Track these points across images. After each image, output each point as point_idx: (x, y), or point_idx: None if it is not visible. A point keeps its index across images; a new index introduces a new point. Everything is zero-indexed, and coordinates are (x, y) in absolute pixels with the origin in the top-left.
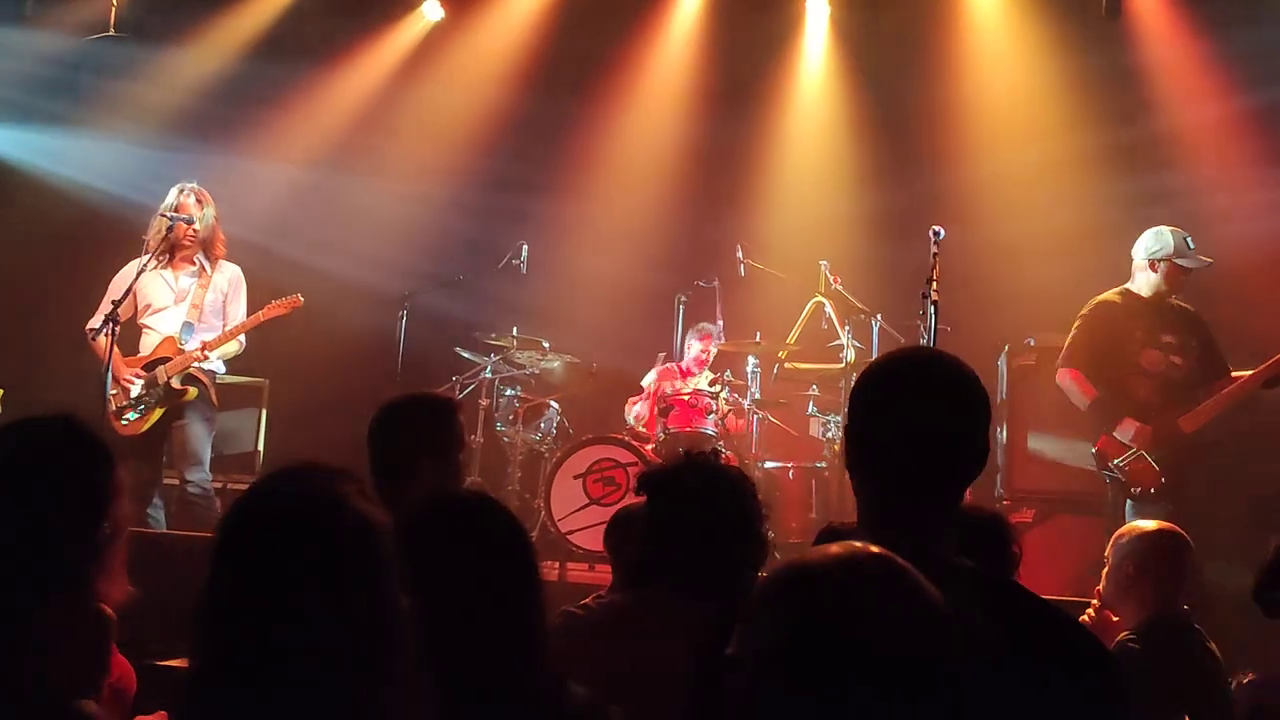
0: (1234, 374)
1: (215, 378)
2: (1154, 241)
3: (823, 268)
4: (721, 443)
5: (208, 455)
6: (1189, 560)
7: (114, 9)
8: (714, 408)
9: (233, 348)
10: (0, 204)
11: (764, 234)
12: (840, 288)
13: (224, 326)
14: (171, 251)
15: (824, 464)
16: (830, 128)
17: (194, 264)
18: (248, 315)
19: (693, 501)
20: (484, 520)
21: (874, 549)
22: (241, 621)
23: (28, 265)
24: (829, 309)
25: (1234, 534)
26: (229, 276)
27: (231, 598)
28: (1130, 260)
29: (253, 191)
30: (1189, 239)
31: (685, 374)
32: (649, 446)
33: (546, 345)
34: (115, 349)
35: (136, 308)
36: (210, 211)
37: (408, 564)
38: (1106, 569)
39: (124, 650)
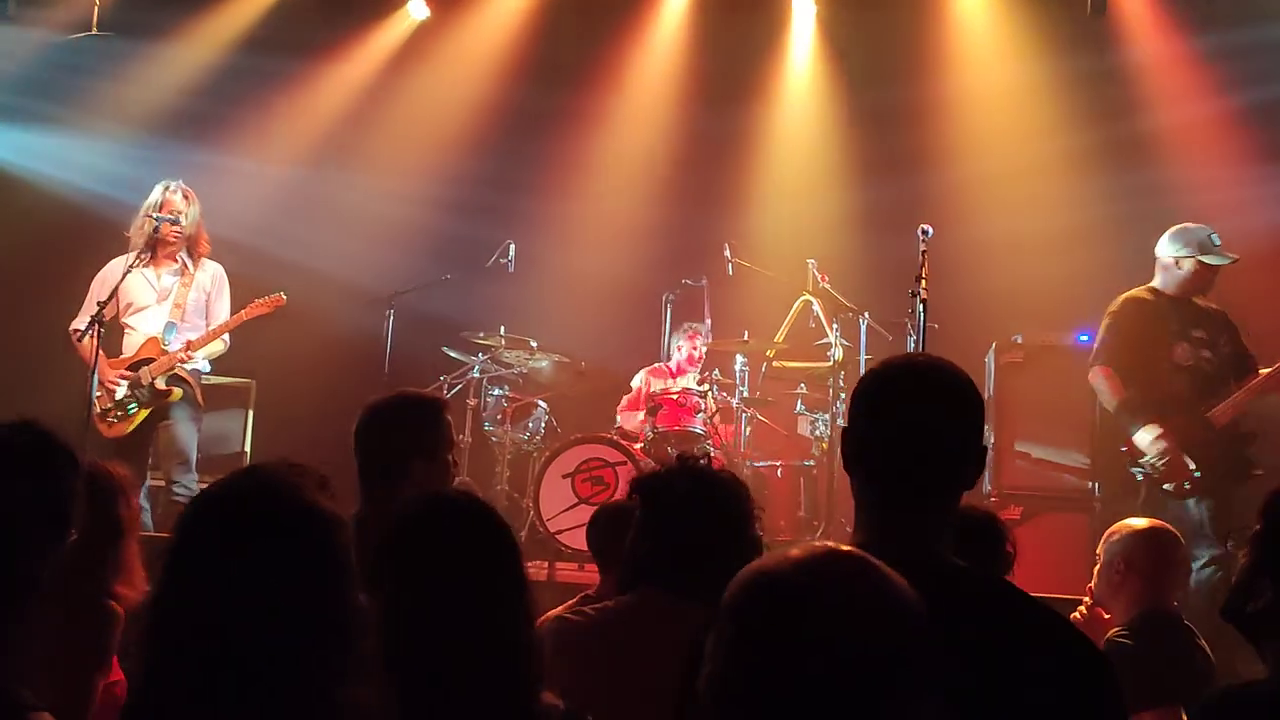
0: (1262, 371)
1: (200, 378)
2: (1179, 239)
3: (810, 266)
4: (710, 442)
5: (194, 455)
6: (1179, 557)
7: (96, 7)
8: (702, 407)
9: (218, 347)
10: None
11: (752, 232)
12: (828, 286)
13: (207, 326)
14: (154, 249)
15: (812, 462)
16: (817, 126)
17: (176, 262)
18: (231, 314)
19: (686, 506)
20: (467, 521)
21: (843, 548)
22: (193, 619)
23: (10, 265)
24: (817, 307)
25: None
26: (211, 275)
27: (184, 594)
28: (1154, 257)
29: (237, 191)
30: (1214, 235)
31: (674, 373)
32: (638, 446)
33: (534, 345)
34: (101, 351)
35: (118, 307)
36: (196, 209)
37: (390, 563)
38: (1098, 566)
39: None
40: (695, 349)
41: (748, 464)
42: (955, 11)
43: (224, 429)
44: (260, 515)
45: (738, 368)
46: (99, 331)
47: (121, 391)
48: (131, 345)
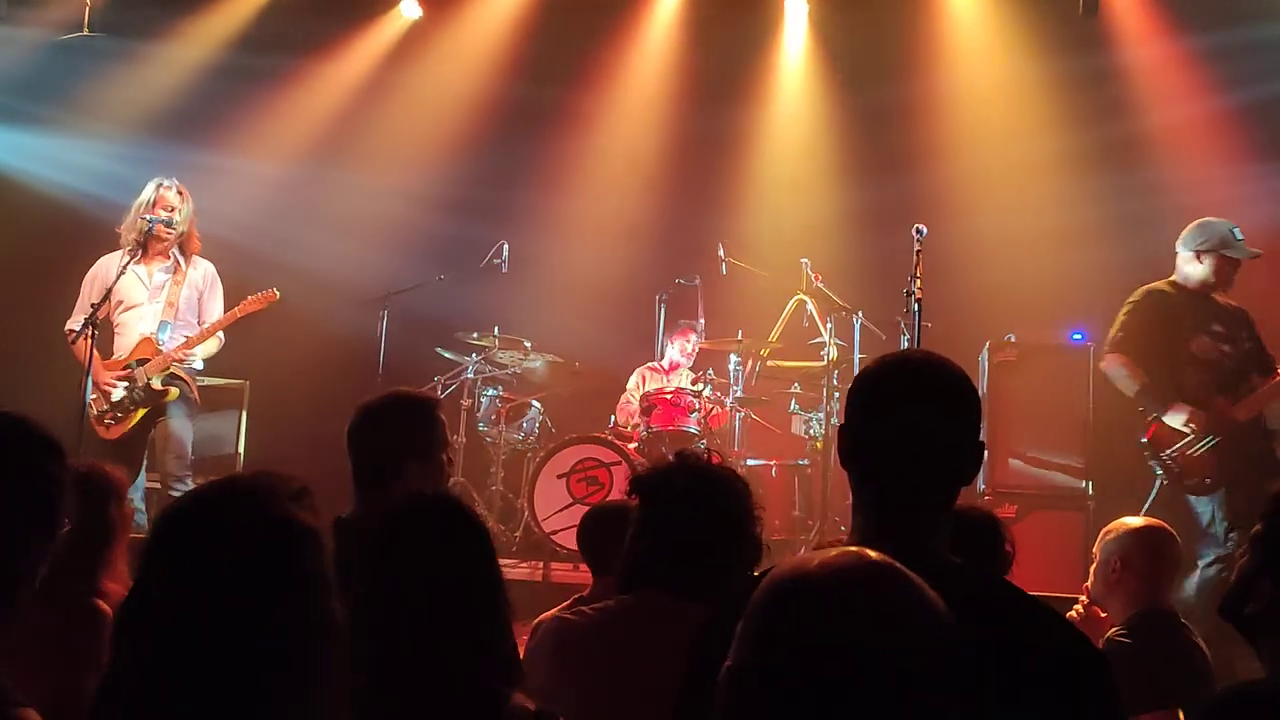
0: None
1: (196, 376)
2: (1200, 233)
3: (804, 265)
4: (704, 441)
5: (190, 454)
6: (1175, 555)
7: (88, 8)
8: (697, 406)
9: (213, 345)
10: None
11: (745, 232)
12: (822, 285)
13: (200, 323)
14: (146, 247)
15: (806, 461)
16: (810, 125)
17: (169, 259)
18: (224, 312)
19: (684, 504)
20: (436, 522)
21: (872, 554)
22: (158, 624)
23: (3, 266)
24: (810, 306)
25: None
26: (203, 273)
27: (149, 600)
28: (1175, 252)
29: (230, 191)
30: (1235, 229)
31: (668, 371)
32: (632, 445)
33: (528, 345)
34: (95, 353)
35: (110, 304)
36: (189, 207)
37: (359, 564)
38: (1094, 565)
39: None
40: (687, 344)
41: (741, 463)
42: (947, 11)
43: (217, 430)
44: (225, 525)
45: (732, 367)
46: (93, 333)
47: (118, 394)
48: (124, 345)
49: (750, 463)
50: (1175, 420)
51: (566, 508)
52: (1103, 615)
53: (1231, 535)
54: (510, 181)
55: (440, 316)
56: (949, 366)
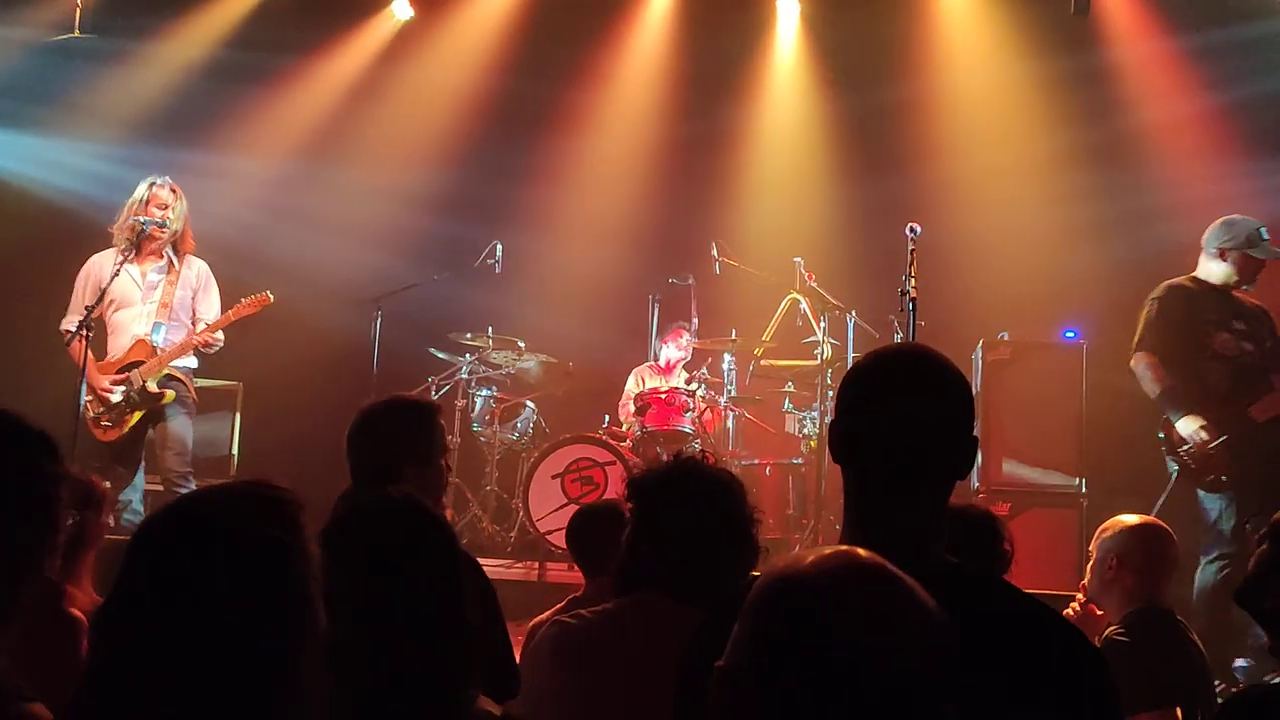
0: None
1: (193, 376)
2: (1225, 231)
3: (798, 265)
4: (699, 441)
5: (190, 451)
6: (1171, 552)
7: (78, 9)
8: (691, 405)
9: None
10: None
11: (739, 231)
12: (815, 284)
13: (193, 323)
14: (139, 246)
15: (800, 460)
16: (803, 125)
17: (162, 258)
18: (219, 313)
19: (683, 506)
20: (393, 528)
21: (861, 553)
22: (132, 633)
23: None
24: (804, 306)
25: None
26: (197, 272)
27: (122, 609)
28: (1201, 249)
29: (222, 192)
30: (1262, 229)
31: (663, 370)
32: (626, 445)
33: (522, 345)
34: (90, 355)
35: (104, 304)
36: (183, 205)
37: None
38: (1091, 563)
39: None
40: (680, 344)
41: (735, 462)
42: (939, 10)
43: (211, 432)
44: (203, 544)
45: (726, 366)
46: (87, 335)
47: (116, 398)
48: (119, 346)
49: (744, 462)
50: (1187, 429)
51: (561, 508)
52: (1099, 613)
53: (1247, 524)
54: (503, 182)
55: (434, 317)
56: (941, 360)
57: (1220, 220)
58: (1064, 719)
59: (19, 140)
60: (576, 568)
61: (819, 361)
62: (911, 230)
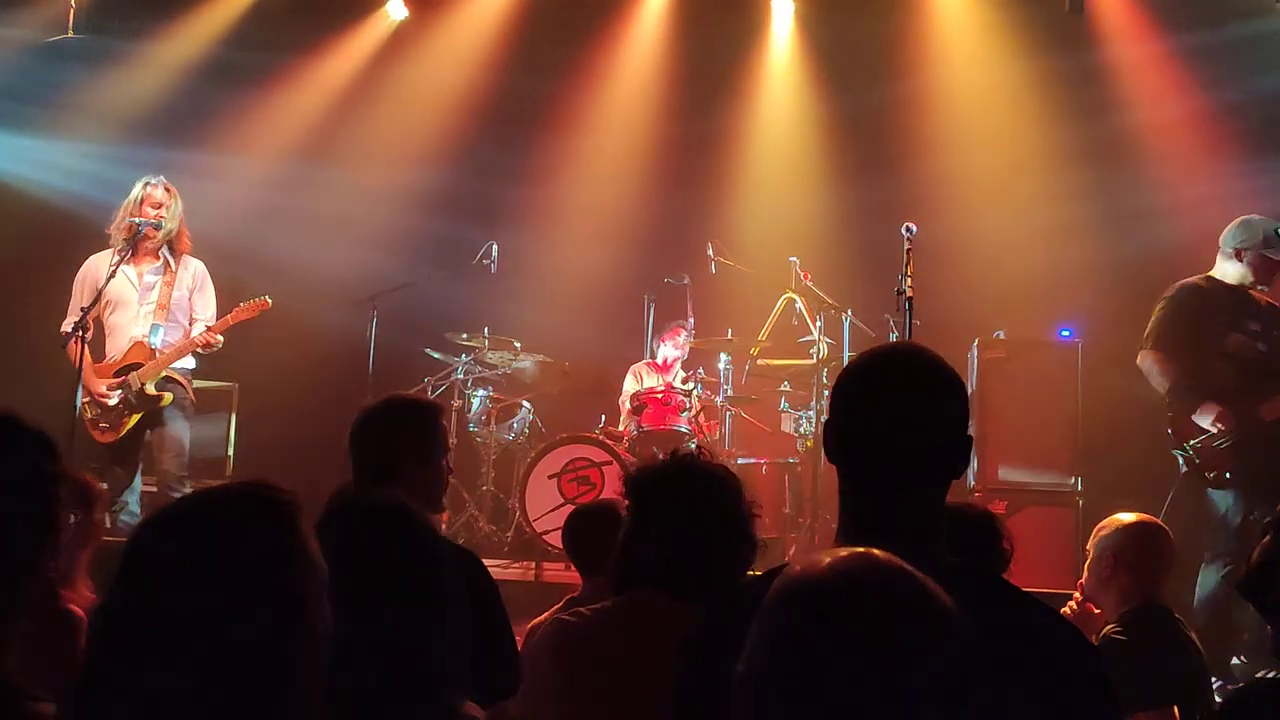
0: None
1: (191, 378)
2: (1242, 231)
3: (793, 264)
4: (696, 440)
5: (188, 454)
6: (1168, 550)
7: (72, 10)
8: (687, 405)
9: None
10: None
11: (735, 231)
12: (811, 284)
13: (190, 323)
14: (135, 247)
15: (796, 459)
16: (799, 124)
17: (158, 259)
18: (215, 312)
19: (680, 503)
20: (367, 533)
21: (879, 554)
22: (127, 634)
23: None
24: (800, 305)
25: None
26: (193, 272)
27: (119, 609)
28: (1219, 248)
29: (218, 192)
30: (1279, 229)
31: (661, 368)
32: (623, 445)
33: (518, 345)
34: (88, 357)
35: (100, 306)
36: (178, 205)
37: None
38: (1088, 561)
39: None
40: (677, 344)
41: (732, 461)
42: (934, 9)
43: (207, 434)
44: (199, 546)
45: (721, 366)
46: (83, 338)
47: (113, 401)
48: (116, 347)
49: (740, 461)
50: (1203, 420)
51: (558, 508)
52: (1097, 612)
53: (1253, 516)
54: (499, 181)
55: (430, 317)
56: (935, 358)
57: (1237, 220)
58: (1064, 718)
59: (14, 141)
60: (573, 567)
61: (815, 361)
62: (907, 229)
